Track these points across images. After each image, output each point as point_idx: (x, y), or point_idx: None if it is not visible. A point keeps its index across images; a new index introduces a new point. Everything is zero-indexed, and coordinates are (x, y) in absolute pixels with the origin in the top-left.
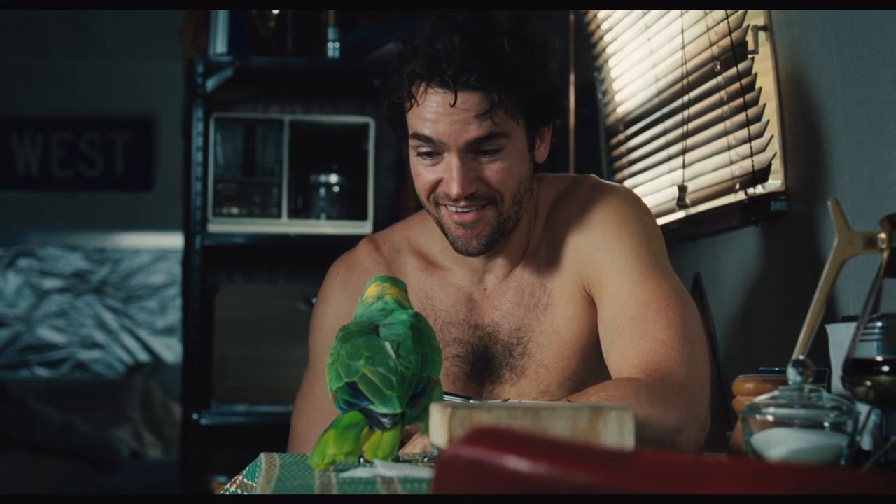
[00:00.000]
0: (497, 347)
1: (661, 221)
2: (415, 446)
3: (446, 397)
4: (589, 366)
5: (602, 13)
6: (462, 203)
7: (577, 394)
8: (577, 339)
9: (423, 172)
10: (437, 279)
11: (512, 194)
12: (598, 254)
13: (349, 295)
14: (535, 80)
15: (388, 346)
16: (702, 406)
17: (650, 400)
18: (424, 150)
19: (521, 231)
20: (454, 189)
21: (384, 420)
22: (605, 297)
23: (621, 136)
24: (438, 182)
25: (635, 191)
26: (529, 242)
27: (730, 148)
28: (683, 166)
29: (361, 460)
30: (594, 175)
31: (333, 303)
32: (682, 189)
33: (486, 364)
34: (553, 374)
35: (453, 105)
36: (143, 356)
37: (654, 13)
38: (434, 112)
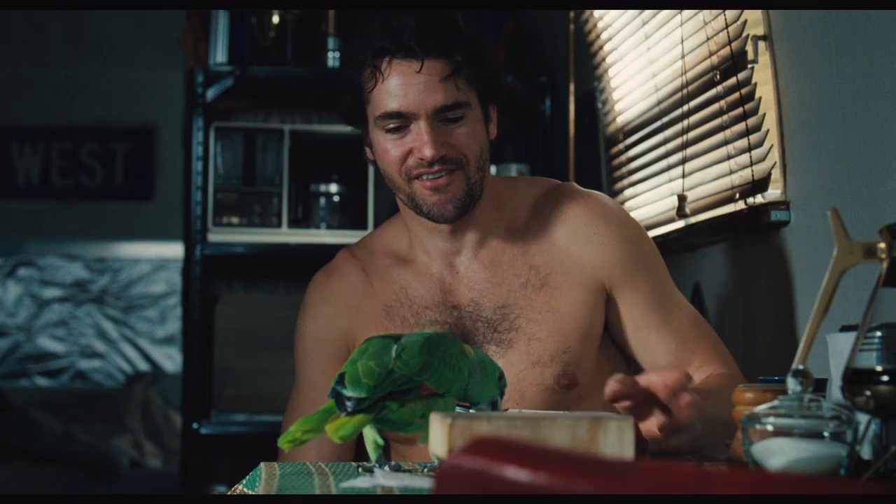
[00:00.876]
0: (478, 325)
1: (660, 231)
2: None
3: None
4: (586, 343)
5: (602, 23)
6: (435, 168)
7: (699, 382)
8: (577, 317)
9: (392, 149)
10: (410, 271)
11: (476, 159)
12: (627, 260)
13: (326, 300)
14: (485, 52)
15: (394, 347)
16: None
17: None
18: (392, 125)
19: (485, 213)
20: (427, 151)
21: (348, 403)
22: (636, 295)
23: (621, 146)
24: (408, 154)
25: (636, 200)
26: (502, 227)
27: (729, 157)
28: (683, 176)
29: (360, 469)
30: (573, 183)
31: (312, 309)
32: (682, 198)
33: (466, 341)
34: (546, 346)
35: (419, 71)
36: (143, 365)
37: (654, 23)
38: (400, 84)
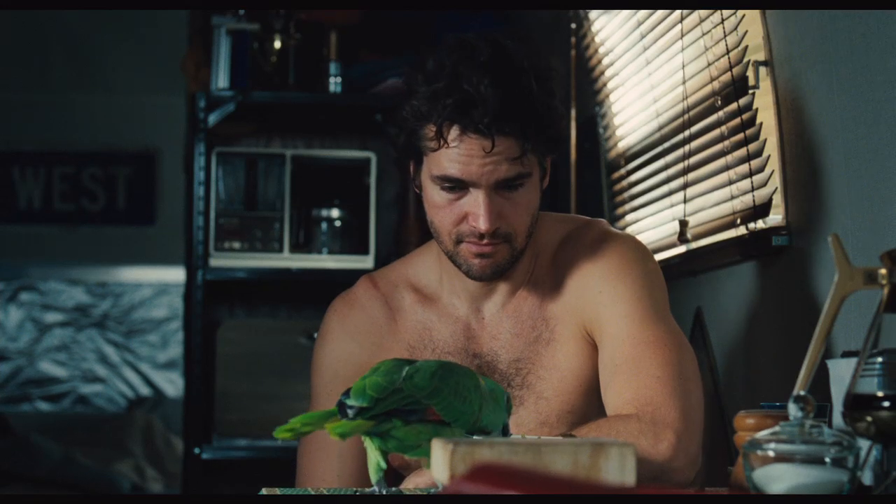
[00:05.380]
0: (495, 377)
1: (662, 256)
2: (408, 482)
3: None
4: (590, 401)
5: (603, 48)
6: (485, 241)
7: (575, 429)
8: (577, 375)
9: (447, 207)
10: (434, 311)
11: (526, 228)
12: (600, 296)
13: (347, 333)
14: (556, 121)
15: (406, 368)
16: (692, 441)
17: (640, 432)
18: (450, 186)
19: (521, 262)
20: (482, 224)
21: (349, 410)
22: (605, 339)
23: (622, 171)
24: (463, 219)
25: (637, 225)
26: (532, 274)
27: (731, 183)
28: (685, 201)
29: (357, 493)
30: (604, 221)
31: (331, 340)
32: (684, 224)
33: None
34: (553, 406)
35: (488, 151)
36: (144, 390)
37: (655, 48)
38: (465, 154)
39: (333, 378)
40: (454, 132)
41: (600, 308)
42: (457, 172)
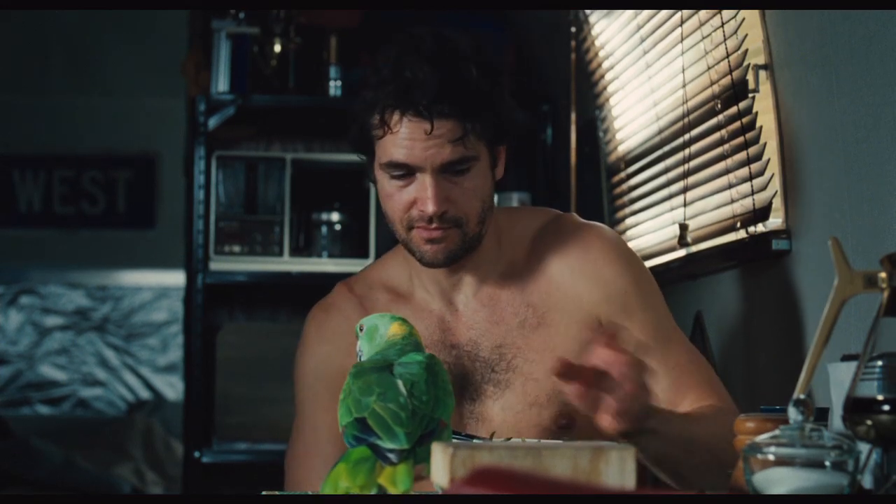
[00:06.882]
0: (476, 365)
1: (661, 260)
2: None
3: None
4: None
5: (603, 51)
6: (433, 225)
7: (682, 412)
8: (574, 357)
9: (396, 194)
10: (409, 308)
11: (477, 214)
12: (622, 296)
13: (324, 337)
14: (499, 105)
15: (400, 383)
16: None
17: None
18: (398, 173)
19: (486, 251)
20: (430, 207)
21: (391, 455)
22: (636, 336)
23: (622, 175)
24: (412, 204)
25: (637, 228)
26: (507, 264)
27: (731, 186)
28: (685, 204)
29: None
30: (574, 214)
31: (310, 346)
32: (684, 227)
33: (464, 382)
34: (543, 387)
35: (429, 133)
36: (144, 394)
37: (656, 52)
38: (408, 137)
39: (315, 381)
40: (396, 117)
41: (617, 299)
42: (402, 157)
